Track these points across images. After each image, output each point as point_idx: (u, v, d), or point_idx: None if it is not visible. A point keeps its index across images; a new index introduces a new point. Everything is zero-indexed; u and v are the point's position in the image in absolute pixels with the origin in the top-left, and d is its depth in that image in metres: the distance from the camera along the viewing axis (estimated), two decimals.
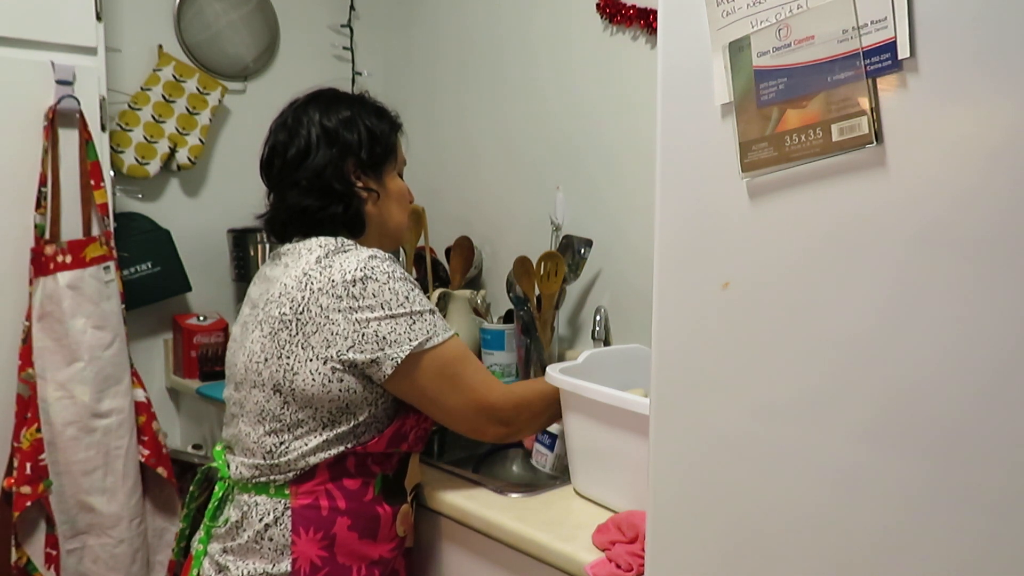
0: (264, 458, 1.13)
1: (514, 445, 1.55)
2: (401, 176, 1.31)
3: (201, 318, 2.04)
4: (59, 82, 1.64)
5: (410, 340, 1.09)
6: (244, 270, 2.08)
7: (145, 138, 1.97)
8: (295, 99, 1.27)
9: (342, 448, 1.12)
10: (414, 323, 1.10)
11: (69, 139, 1.66)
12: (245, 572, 1.11)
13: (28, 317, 1.61)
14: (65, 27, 1.66)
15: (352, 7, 2.32)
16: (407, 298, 1.11)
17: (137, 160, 1.96)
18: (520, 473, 1.55)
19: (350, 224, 1.22)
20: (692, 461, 0.80)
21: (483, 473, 1.48)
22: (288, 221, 1.22)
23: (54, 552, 1.63)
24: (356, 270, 1.09)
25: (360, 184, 1.22)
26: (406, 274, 1.14)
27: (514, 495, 1.20)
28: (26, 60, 1.62)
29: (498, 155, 2.05)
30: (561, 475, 1.33)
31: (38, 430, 1.59)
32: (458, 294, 1.91)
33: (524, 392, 1.23)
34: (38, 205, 1.62)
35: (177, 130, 2.02)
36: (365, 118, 1.23)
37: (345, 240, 1.18)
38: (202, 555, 1.18)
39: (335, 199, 1.20)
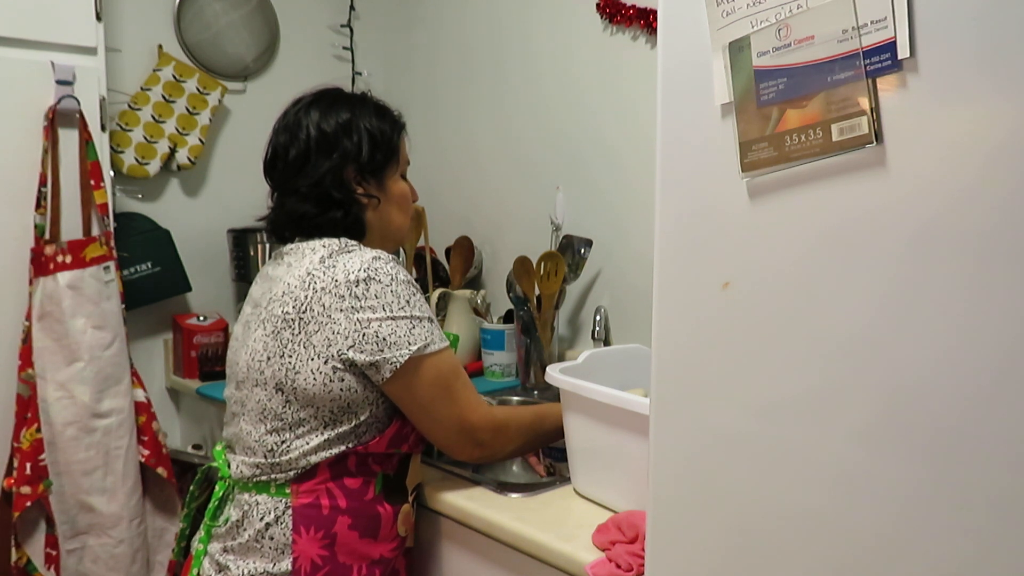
0: (265, 457, 1.13)
1: None
2: (404, 176, 1.30)
3: (201, 318, 2.04)
4: (59, 82, 1.64)
5: (409, 344, 1.09)
6: (244, 270, 2.08)
7: (145, 138, 1.97)
8: (299, 98, 1.26)
9: (343, 447, 1.13)
10: (413, 327, 1.10)
11: (69, 139, 1.66)
12: (245, 571, 1.11)
13: (28, 317, 1.61)
14: (65, 27, 1.66)
15: (352, 7, 2.33)
16: (408, 302, 1.11)
17: (137, 160, 1.96)
18: (520, 473, 1.55)
19: (350, 229, 1.21)
20: (692, 461, 0.81)
21: (483, 473, 1.48)
22: (287, 225, 1.22)
23: (54, 552, 1.63)
24: (360, 270, 1.09)
25: (360, 191, 1.21)
26: (409, 277, 1.14)
27: (514, 495, 1.20)
28: (26, 60, 1.62)
29: (498, 155, 2.06)
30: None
31: (38, 430, 1.59)
32: (458, 294, 1.91)
33: (505, 418, 1.23)
34: (38, 205, 1.62)
35: (177, 130, 2.02)
36: (365, 120, 1.22)
37: (349, 241, 1.18)
38: (202, 555, 1.18)
39: (334, 206, 1.19)
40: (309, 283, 1.11)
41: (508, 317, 1.87)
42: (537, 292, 1.70)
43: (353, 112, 1.22)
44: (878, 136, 0.63)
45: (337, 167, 1.19)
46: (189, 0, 2.07)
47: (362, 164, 1.21)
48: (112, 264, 1.68)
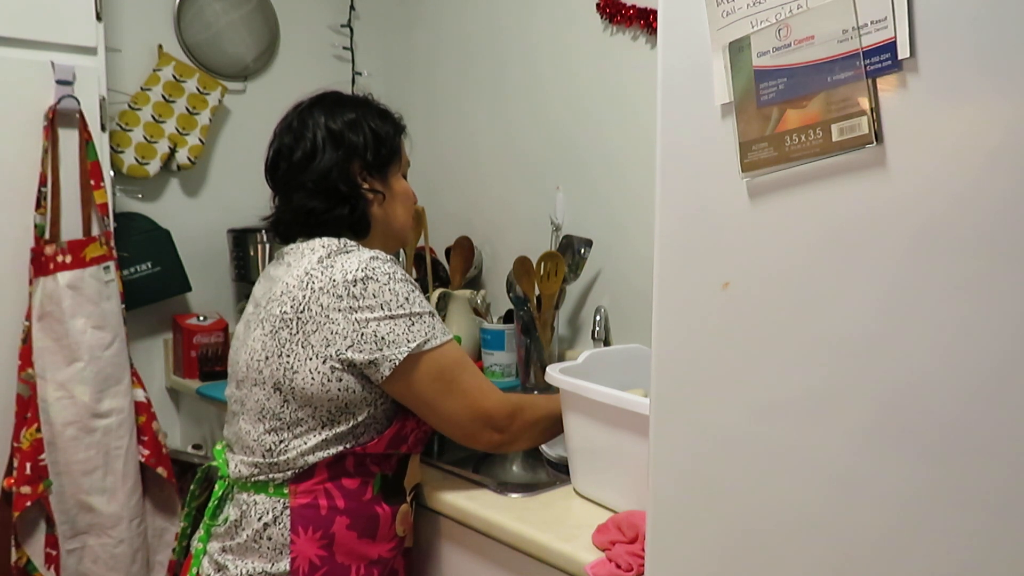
0: (263, 456, 1.13)
1: None
2: (405, 177, 1.31)
3: (201, 318, 2.04)
4: (59, 82, 1.64)
5: (408, 341, 1.09)
6: (244, 270, 2.08)
7: (145, 138, 1.97)
8: (300, 102, 1.27)
9: (341, 448, 1.13)
10: (413, 324, 1.10)
11: (69, 139, 1.66)
12: (244, 571, 1.11)
13: (28, 317, 1.61)
14: (65, 27, 1.66)
15: (352, 7, 2.32)
16: (407, 299, 1.11)
17: (137, 160, 1.96)
18: (520, 473, 1.55)
19: (355, 226, 1.22)
20: (692, 461, 0.80)
21: (483, 473, 1.48)
22: (293, 222, 1.23)
23: (54, 552, 1.63)
24: (357, 270, 1.10)
25: (366, 186, 1.23)
26: (407, 276, 1.14)
27: (514, 495, 1.20)
28: (26, 60, 1.62)
29: (498, 155, 2.05)
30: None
31: (38, 430, 1.59)
32: (458, 294, 1.91)
33: (520, 401, 1.23)
34: (38, 205, 1.62)
35: (177, 130, 2.02)
36: (370, 120, 1.24)
37: (348, 241, 1.19)
38: (201, 554, 1.18)
39: (341, 201, 1.20)
40: (307, 283, 1.11)
41: (508, 317, 1.87)
42: (537, 292, 1.70)
43: (357, 112, 1.24)
44: (878, 136, 0.63)
45: (343, 162, 1.20)
46: (189, 0, 2.07)
47: (367, 160, 1.22)
48: (112, 264, 1.68)
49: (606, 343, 1.72)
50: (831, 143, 0.66)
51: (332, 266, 1.11)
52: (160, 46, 2.02)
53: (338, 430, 1.12)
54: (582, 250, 1.72)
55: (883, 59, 0.62)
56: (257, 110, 2.16)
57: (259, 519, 1.12)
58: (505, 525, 1.11)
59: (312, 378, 1.09)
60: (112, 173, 1.81)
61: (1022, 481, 0.58)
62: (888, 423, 0.64)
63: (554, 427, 1.26)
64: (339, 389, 1.10)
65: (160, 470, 1.73)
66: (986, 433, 0.59)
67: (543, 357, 1.70)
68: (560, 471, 1.36)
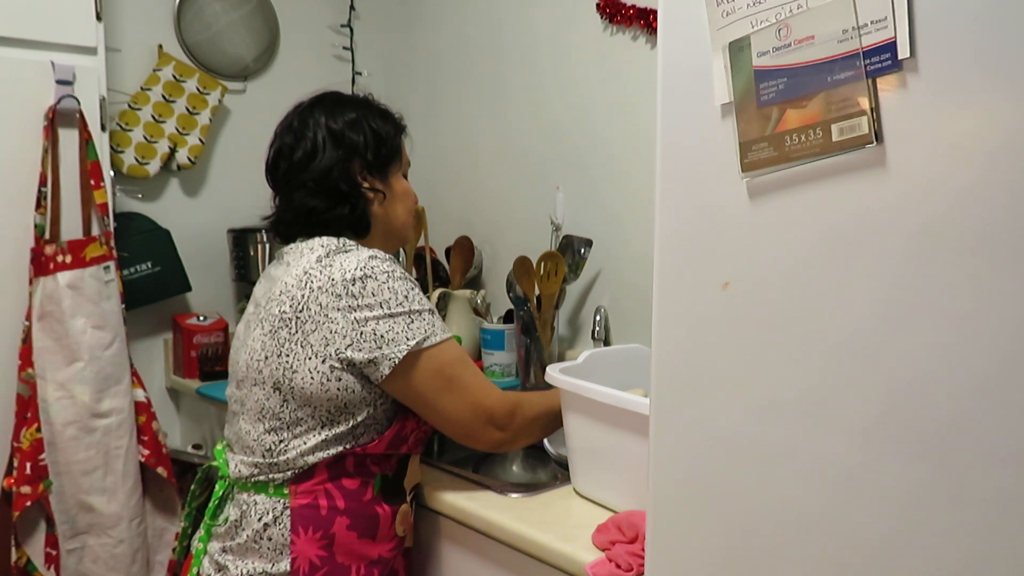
0: (263, 456, 1.13)
1: None
2: (406, 177, 1.32)
3: (201, 318, 2.04)
4: (59, 82, 1.64)
5: (407, 339, 1.09)
6: (244, 270, 2.08)
7: (145, 138, 1.97)
8: (300, 102, 1.27)
9: (341, 448, 1.13)
10: (412, 322, 1.10)
11: (69, 139, 1.66)
12: (244, 571, 1.11)
13: (28, 317, 1.61)
14: (65, 27, 1.66)
15: (352, 7, 2.32)
16: (406, 297, 1.11)
17: (137, 160, 1.96)
18: (520, 473, 1.55)
19: (356, 225, 1.22)
20: (692, 461, 0.81)
21: (483, 473, 1.48)
22: (294, 222, 1.23)
23: (54, 552, 1.63)
24: (356, 269, 1.10)
25: (366, 185, 1.23)
26: (406, 274, 1.14)
27: (514, 495, 1.20)
28: (26, 60, 1.62)
29: (498, 155, 2.06)
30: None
31: (38, 430, 1.59)
32: (458, 294, 1.91)
33: (520, 398, 1.23)
34: (38, 205, 1.62)
35: (177, 130, 2.02)
36: (370, 120, 1.24)
37: (347, 240, 1.19)
38: (202, 554, 1.18)
39: (341, 200, 1.20)
40: (306, 282, 1.11)
41: (508, 317, 1.87)
42: (537, 292, 1.70)
43: (358, 112, 1.25)
44: (878, 136, 0.63)
45: (344, 161, 1.21)
46: (189, 0, 2.07)
47: (368, 160, 1.22)
48: (112, 264, 1.68)
49: (606, 343, 1.72)
50: (831, 143, 0.66)
51: (331, 265, 1.11)
52: (160, 46, 2.02)
53: (338, 430, 1.12)
54: (582, 250, 1.72)
55: (883, 59, 0.62)
56: (257, 110, 2.16)
57: (259, 519, 1.12)
58: (505, 525, 1.11)
59: (311, 378, 1.09)
60: (112, 173, 1.80)
61: (1022, 481, 0.58)
62: (888, 422, 0.64)
63: (553, 422, 1.26)
64: (338, 389, 1.10)
65: (160, 470, 1.73)
66: (986, 433, 0.59)
67: (543, 357, 1.70)
68: (565, 468, 1.36)
